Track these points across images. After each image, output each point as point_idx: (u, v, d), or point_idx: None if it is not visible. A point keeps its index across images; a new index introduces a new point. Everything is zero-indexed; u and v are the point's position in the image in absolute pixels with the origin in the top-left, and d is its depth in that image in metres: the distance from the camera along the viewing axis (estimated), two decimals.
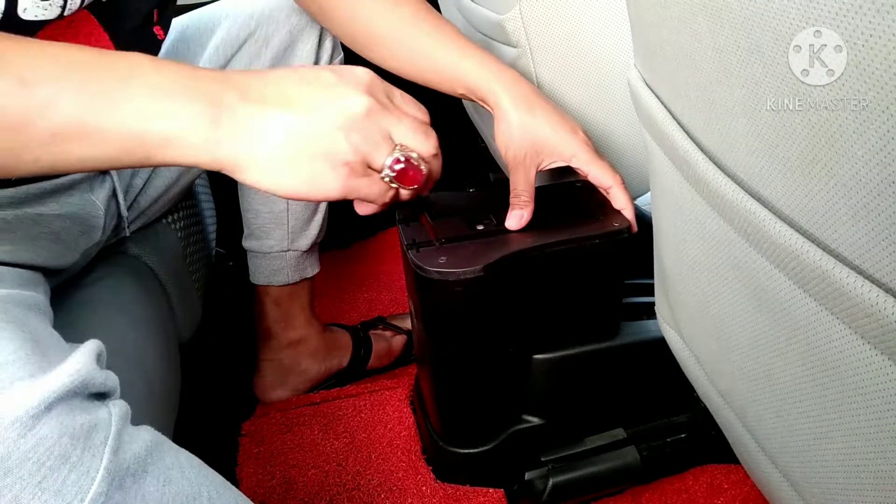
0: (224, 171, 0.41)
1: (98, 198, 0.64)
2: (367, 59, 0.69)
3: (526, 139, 0.63)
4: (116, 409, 0.37)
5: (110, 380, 0.39)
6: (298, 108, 0.42)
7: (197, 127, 0.39)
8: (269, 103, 0.41)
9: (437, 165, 0.49)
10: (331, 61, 0.85)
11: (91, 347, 0.39)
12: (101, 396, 0.38)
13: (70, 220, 0.60)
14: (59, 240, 0.58)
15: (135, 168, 0.68)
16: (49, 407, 0.34)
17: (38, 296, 0.50)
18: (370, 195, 0.46)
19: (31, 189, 0.55)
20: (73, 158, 0.38)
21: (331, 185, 0.43)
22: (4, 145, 0.36)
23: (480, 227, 0.64)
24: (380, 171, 0.45)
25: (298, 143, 0.41)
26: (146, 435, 0.38)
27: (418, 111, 0.48)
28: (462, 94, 0.66)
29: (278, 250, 0.91)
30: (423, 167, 0.47)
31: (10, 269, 0.51)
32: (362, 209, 0.51)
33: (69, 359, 0.37)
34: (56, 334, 0.44)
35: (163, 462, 0.38)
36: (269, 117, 0.41)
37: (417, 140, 0.46)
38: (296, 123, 0.41)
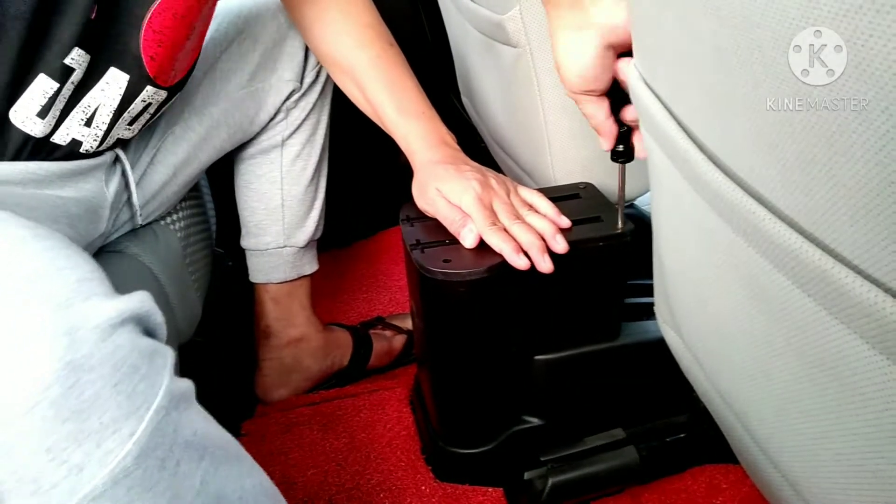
0: None
1: (109, 188, 0.66)
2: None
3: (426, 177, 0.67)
4: (169, 348, 0.41)
5: (164, 327, 0.42)
6: None
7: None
8: None
9: None
10: None
11: (147, 293, 0.42)
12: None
13: (84, 209, 0.62)
14: (73, 226, 0.60)
15: None
16: (123, 322, 0.37)
17: None
18: None
19: (52, 168, 0.58)
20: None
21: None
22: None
23: None
24: None
25: None
26: (187, 380, 0.42)
27: None
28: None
29: (275, 246, 0.91)
30: None
31: None
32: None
33: (135, 292, 0.41)
34: None
35: (198, 406, 0.42)
36: None
37: None
38: None
